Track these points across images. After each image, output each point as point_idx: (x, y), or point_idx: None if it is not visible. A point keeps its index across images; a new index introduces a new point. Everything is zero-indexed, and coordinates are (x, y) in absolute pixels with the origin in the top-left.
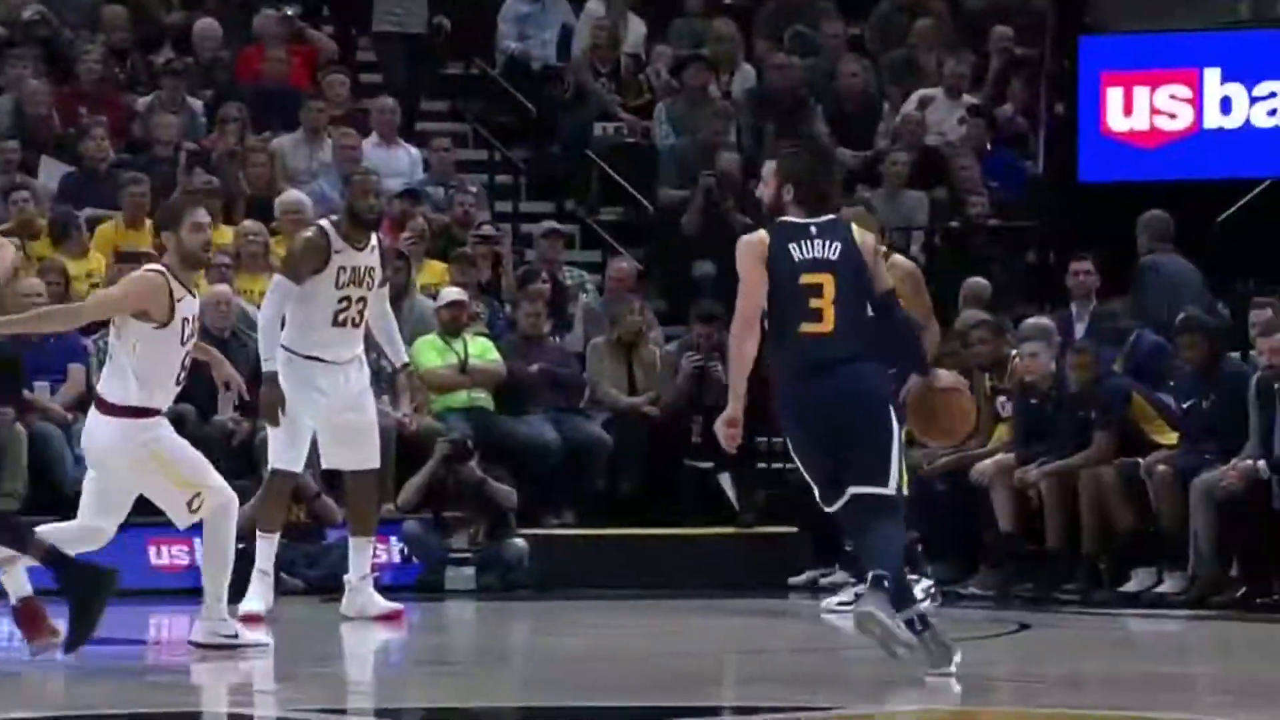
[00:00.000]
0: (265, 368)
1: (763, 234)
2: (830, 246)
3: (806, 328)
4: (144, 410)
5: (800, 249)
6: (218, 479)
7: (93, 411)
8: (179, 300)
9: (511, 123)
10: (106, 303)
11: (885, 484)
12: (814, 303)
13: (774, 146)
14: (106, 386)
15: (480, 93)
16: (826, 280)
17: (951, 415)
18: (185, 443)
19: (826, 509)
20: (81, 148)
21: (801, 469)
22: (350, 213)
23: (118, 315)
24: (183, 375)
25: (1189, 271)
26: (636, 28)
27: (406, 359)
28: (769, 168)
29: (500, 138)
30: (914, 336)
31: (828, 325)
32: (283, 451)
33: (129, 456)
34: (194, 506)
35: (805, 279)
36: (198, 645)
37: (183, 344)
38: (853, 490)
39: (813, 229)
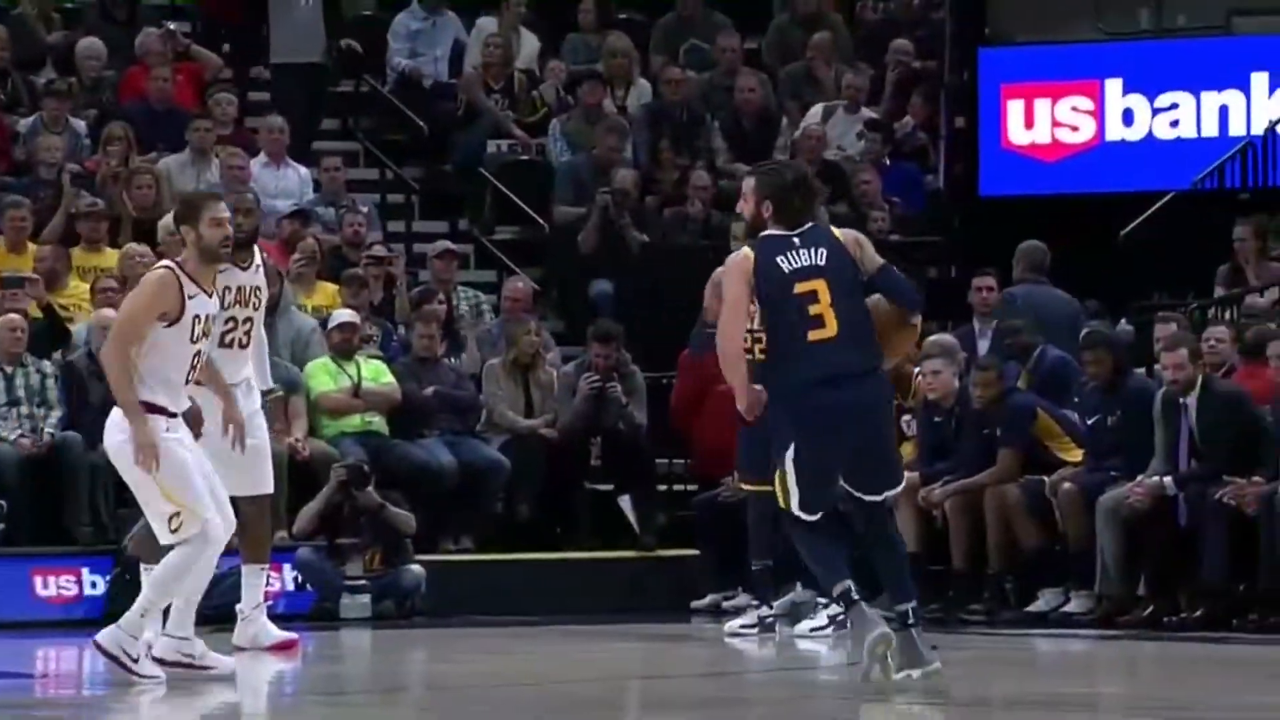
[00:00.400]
0: None
1: (748, 251)
2: (817, 253)
3: (814, 335)
4: (150, 407)
5: (788, 259)
6: (207, 507)
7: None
8: (191, 297)
9: (403, 141)
10: (128, 327)
11: (900, 482)
12: (813, 309)
13: (672, 162)
14: None
15: (371, 110)
16: (820, 286)
17: (902, 345)
18: (189, 458)
19: (806, 517)
20: None
21: (791, 477)
22: None
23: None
24: (193, 374)
25: (1056, 302)
26: (530, 43)
27: (272, 383)
28: (748, 184)
29: (392, 156)
30: (913, 286)
31: (831, 330)
32: None
33: (128, 450)
34: (174, 526)
35: (799, 288)
36: (161, 661)
37: (193, 341)
38: (872, 498)
39: (795, 239)
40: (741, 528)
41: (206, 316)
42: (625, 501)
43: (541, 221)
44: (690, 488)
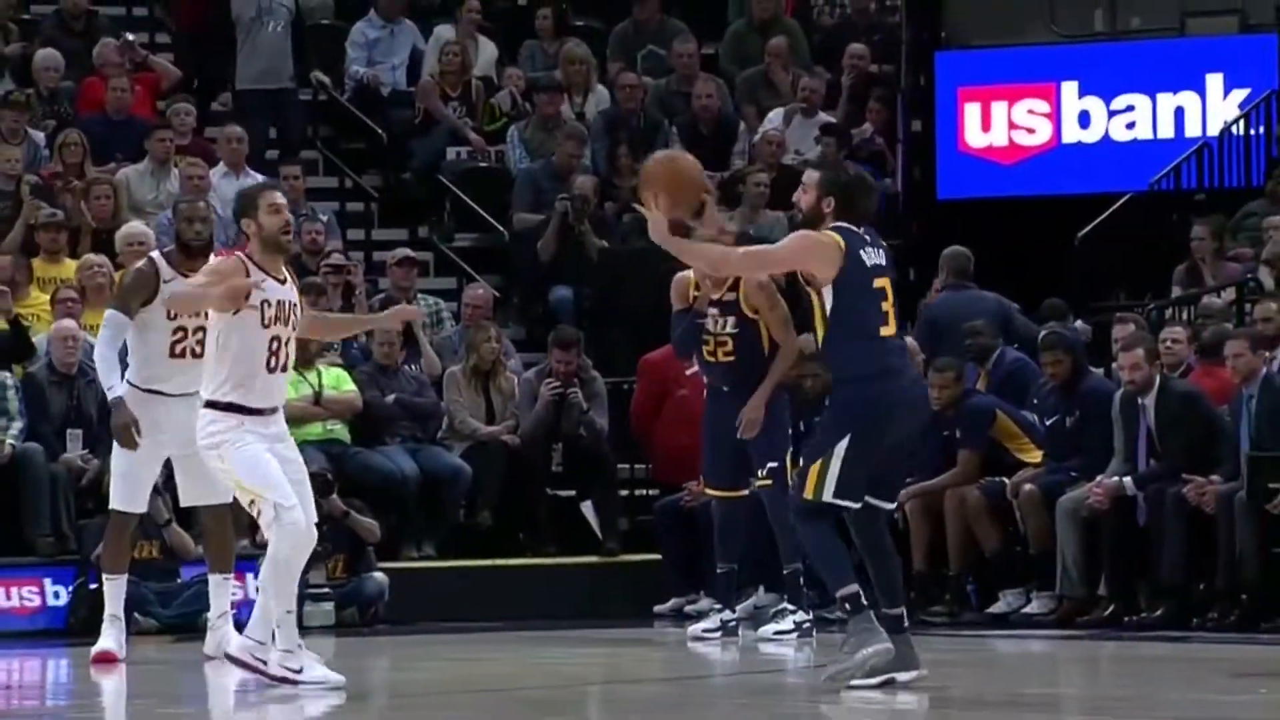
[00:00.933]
0: (110, 395)
1: (837, 237)
2: (879, 253)
3: (884, 331)
4: (231, 406)
5: (867, 255)
6: (275, 489)
7: None
8: (258, 284)
9: (362, 149)
10: (201, 297)
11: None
12: (884, 306)
13: (630, 168)
14: (204, 385)
15: (329, 119)
16: (887, 285)
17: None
18: (259, 447)
19: (844, 503)
20: None
21: (836, 464)
22: (177, 241)
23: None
24: (274, 361)
25: (980, 303)
26: (487, 51)
27: None
28: (811, 177)
29: (351, 164)
30: None
31: (893, 328)
32: (121, 491)
33: (202, 447)
34: (256, 512)
35: (878, 283)
36: (234, 660)
37: (265, 326)
38: (891, 506)
39: (866, 236)
40: (702, 532)
41: (278, 302)
42: (587, 507)
43: (501, 228)
44: (652, 492)
